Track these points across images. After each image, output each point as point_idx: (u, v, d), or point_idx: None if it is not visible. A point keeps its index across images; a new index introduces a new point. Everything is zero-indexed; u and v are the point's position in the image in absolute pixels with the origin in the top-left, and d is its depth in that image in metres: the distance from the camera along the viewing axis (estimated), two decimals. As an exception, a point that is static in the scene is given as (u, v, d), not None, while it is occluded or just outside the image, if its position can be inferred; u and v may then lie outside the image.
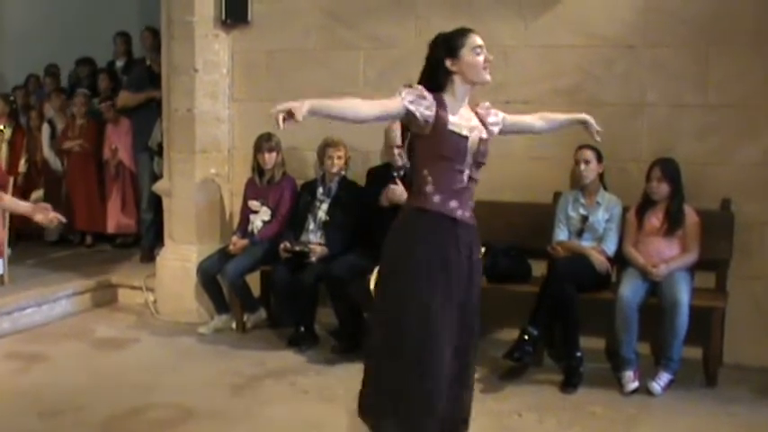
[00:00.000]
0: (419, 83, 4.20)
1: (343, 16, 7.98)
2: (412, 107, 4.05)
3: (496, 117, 4.49)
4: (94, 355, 7.33)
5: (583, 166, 6.75)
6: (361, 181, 7.63)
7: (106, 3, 12.73)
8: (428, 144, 4.16)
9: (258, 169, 7.91)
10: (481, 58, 4.20)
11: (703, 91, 6.83)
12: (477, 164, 4.26)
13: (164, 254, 8.61)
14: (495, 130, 4.46)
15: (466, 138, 4.17)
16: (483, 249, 6.95)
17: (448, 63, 4.18)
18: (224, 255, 7.81)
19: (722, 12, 6.80)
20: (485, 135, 4.29)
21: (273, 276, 7.56)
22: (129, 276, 9.20)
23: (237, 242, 7.82)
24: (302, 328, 7.37)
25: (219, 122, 8.45)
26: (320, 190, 7.64)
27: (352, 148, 7.66)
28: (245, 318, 7.91)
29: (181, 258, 8.35)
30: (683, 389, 6.32)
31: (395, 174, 7.03)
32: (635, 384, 6.30)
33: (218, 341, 7.65)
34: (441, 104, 4.14)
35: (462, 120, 4.21)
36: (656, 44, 6.96)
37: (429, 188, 4.18)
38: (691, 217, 6.54)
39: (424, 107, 4.07)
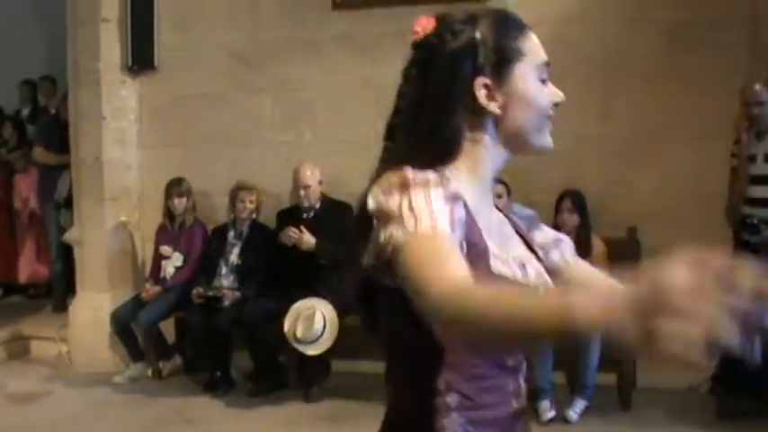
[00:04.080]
0: (386, 136, 1.93)
1: (250, 59, 8.01)
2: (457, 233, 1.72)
3: (546, 235, 2.17)
4: (7, 409, 7.21)
5: (495, 200, 6.82)
6: (273, 224, 7.64)
7: (11, 50, 12.58)
8: None
9: (169, 215, 7.88)
10: (549, 91, 1.91)
11: (606, 122, 6.99)
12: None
13: (76, 303, 8.50)
14: (553, 259, 2.10)
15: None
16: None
17: (482, 91, 1.84)
18: (137, 302, 7.75)
19: (621, 46, 7.00)
20: (544, 273, 1.97)
21: (187, 322, 7.54)
22: (41, 327, 9.04)
23: (150, 289, 7.76)
24: (218, 373, 7.34)
25: (129, 169, 8.40)
26: (231, 234, 7.64)
27: (263, 191, 7.68)
28: (161, 365, 7.83)
29: (93, 307, 8.25)
30: (598, 414, 6.43)
31: (304, 215, 7.08)
32: (551, 413, 6.38)
33: (135, 390, 7.57)
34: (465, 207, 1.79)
35: (503, 241, 1.93)
36: (561, 77, 7.08)
37: (447, 407, 1.81)
38: (598, 246, 6.66)
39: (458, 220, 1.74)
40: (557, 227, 6.65)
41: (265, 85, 7.96)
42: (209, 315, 7.31)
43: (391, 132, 1.90)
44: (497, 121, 1.85)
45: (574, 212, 6.66)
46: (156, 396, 7.36)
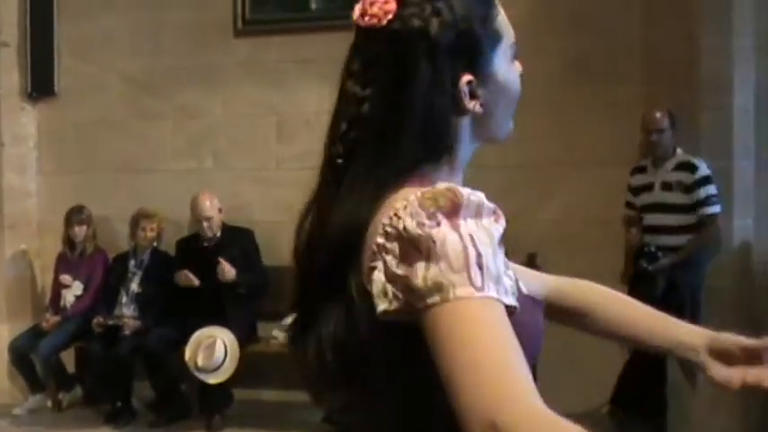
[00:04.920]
0: (343, 153, 1.56)
1: (151, 86, 7.98)
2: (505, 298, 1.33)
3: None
4: None
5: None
6: (173, 251, 7.63)
7: None
8: None
9: (69, 243, 7.80)
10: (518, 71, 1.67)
11: (504, 150, 7.08)
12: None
13: (-27, 334, 8.36)
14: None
15: (540, 303, 1.78)
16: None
17: (466, 88, 1.54)
18: (36, 332, 7.63)
19: (518, 75, 7.12)
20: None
21: (88, 352, 7.46)
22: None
23: (50, 318, 7.66)
24: (119, 404, 7.26)
25: (28, 196, 8.30)
26: (132, 262, 7.59)
27: (164, 219, 7.65)
28: (61, 396, 7.70)
29: (-9, 338, 8.13)
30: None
31: (205, 244, 7.08)
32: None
33: (34, 422, 7.44)
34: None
35: None
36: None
37: None
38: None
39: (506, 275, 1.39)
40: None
41: (166, 112, 7.94)
42: (110, 344, 7.24)
43: (350, 149, 1.52)
44: (475, 117, 1.57)
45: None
46: (57, 428, 7.27)
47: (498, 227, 1.36)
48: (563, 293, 1.97)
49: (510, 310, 1.31)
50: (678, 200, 6.31)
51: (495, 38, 1.58)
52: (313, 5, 7.51)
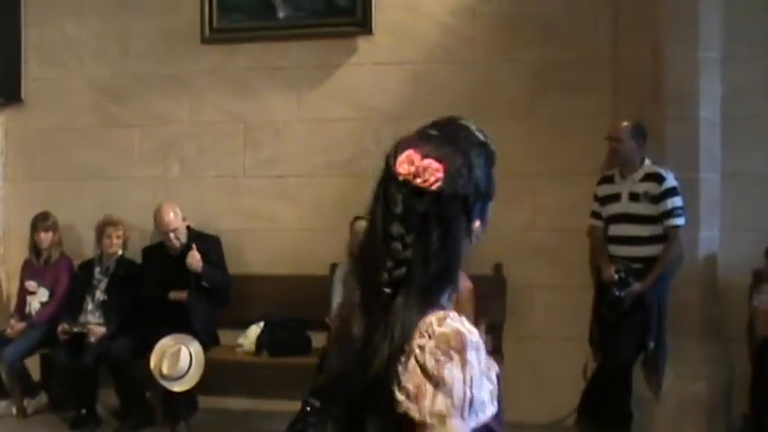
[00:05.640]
0: (389, 285, 1.84)
1: (118, 93, 7.96)
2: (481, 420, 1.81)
3: None
4: None
5: (360, 238, 6.85)
6: (139, 259, 7.60)
7: None
8: None
9: (35, 249, 7.75)
10: None
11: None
12: None
13: (-63, 340, 8.30)
14: None
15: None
16: (262, 324, 7.06)
17: (476, 230, 1.95)
18: (1, 338, 7.57)
19: (487, 86, 7.16)
20: None
21: (53, 359, 7.41)
22: None
23: (15, 325, 7.61)
24: (84, 411, 7.21)
25: (-6, 203, 8.26)
26: (98, 269, 7.56)
27: (130, 226, 7.62)
28: (26, 403, 7.65)
29: (-44, 344, 8.07)
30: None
31: (171, 252, 7.10)
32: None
33: (-2, 428, 7.43)
34: None
35: None
36: (425, 116, 7.18)
37: None
38: (465, 282, 6.73)
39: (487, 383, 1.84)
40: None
41: (133, 120, 7.91)
42: (76, 351, 7.20)
43: (397, 283, 1.83)
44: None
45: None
46: (21, 435, 7.23)
47: (484, 353, 1.78)
48: None
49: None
50: (645, 210, 6.32)
51: (493, 192, 1.99)
52: (280, 14, 7.49)
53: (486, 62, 7.26)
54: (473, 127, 1.99)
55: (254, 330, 7.11)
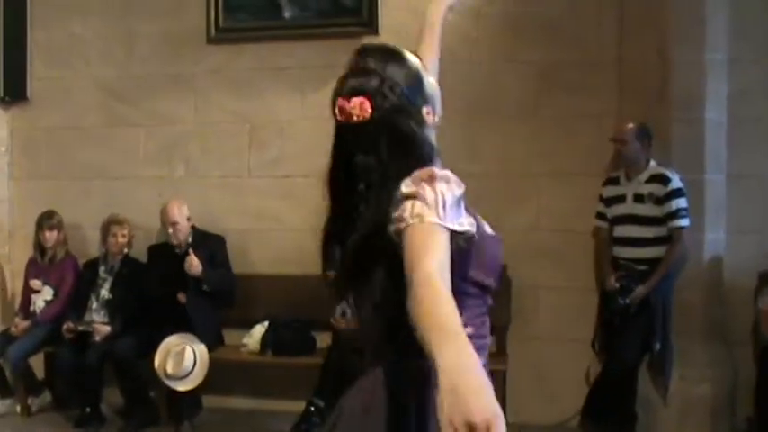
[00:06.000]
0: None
1: (123, 93, 7.96)
2: (458, 227, 2.09)
3: None
4: None
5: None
6: (144, 258, 7.60)
7: None
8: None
9: (40, 248, 7.76)
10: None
11: (475, 160, 7.09)
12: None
13: (-58, 338, 8.31)
14: None
15: (500, 240, 2.48)
16: (267, 323, 7.07)
17: (428, 116, 2.43)
18: (5, 337, 7.59)
19: (491, 86, 7.14)
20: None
21: (57, 357, 7.41)
22: None
23: (19, 323, 7.61)
24: (88, 410, 7.21)
25: (-1, 201, 8.27)
26: (102, 268, 7.56)
27: (135, 226, 7.63)
28: (30, 401, 7.67)
29: (-40, 343, 8.08)
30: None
31: (177, 251, 7.09)
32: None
33: (3, 427, 7.41)
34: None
35: None
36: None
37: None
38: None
39: (465, 215, 2.16)
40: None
41: (138, 119, 7.92)
42: (80, 350, 7.20)
43: (365, 196, 2.28)
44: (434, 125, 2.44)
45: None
46: (25, 433, 7.23)
47: (459, 190, 2.11)
48: None
49: (468, 234, 2.13)
50: (650, 212, 6.31)
51: (421, 72, 2.44)
52: (286, 14, 7.49)
53: (490, 63, 7.25)
54: (382, 45, 2.47)
55: (259, 330, 7.11)
